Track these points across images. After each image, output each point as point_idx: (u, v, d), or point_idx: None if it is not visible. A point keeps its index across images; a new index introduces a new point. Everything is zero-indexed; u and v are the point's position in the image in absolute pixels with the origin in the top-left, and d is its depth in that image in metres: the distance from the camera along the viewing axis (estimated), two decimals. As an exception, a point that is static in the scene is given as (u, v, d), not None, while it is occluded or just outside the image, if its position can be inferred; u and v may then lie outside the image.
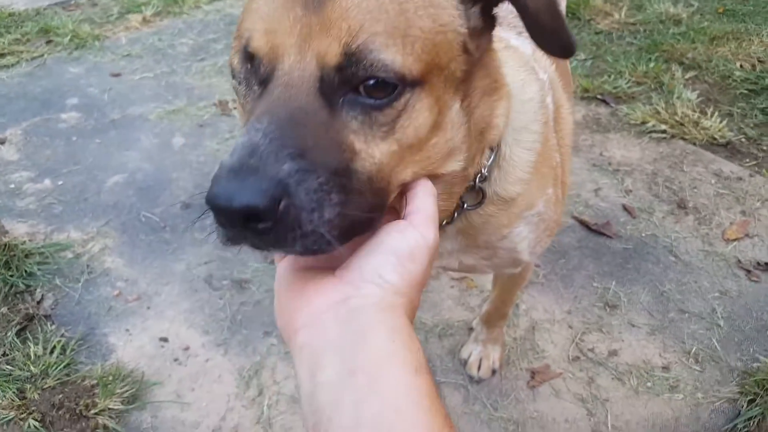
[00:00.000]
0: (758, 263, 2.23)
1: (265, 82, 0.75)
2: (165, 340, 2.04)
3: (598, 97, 3.15)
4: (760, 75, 3.25)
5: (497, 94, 0.94)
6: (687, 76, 3.28)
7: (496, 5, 0.86)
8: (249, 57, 0.76)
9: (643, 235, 2.36)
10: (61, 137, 3.01)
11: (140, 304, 2.16)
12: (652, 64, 3.33)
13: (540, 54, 1.26)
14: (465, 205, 1.01)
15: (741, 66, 3.36)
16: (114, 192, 2.66)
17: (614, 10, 3.92)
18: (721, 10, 3.95)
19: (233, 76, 0.81)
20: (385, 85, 0.73)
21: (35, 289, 2.21)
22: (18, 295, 2.19)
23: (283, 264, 0.79)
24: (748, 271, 2.21)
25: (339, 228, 0.70)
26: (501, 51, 1.00)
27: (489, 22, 0.87)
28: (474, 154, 0.93)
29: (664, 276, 2.20)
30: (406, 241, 0.74)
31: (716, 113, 2.97)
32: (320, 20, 0.72)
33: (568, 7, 3.86)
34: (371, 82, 0.73)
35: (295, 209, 0.66)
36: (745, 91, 3.18)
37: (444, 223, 1.02)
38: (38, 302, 2.16)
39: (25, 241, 2.37)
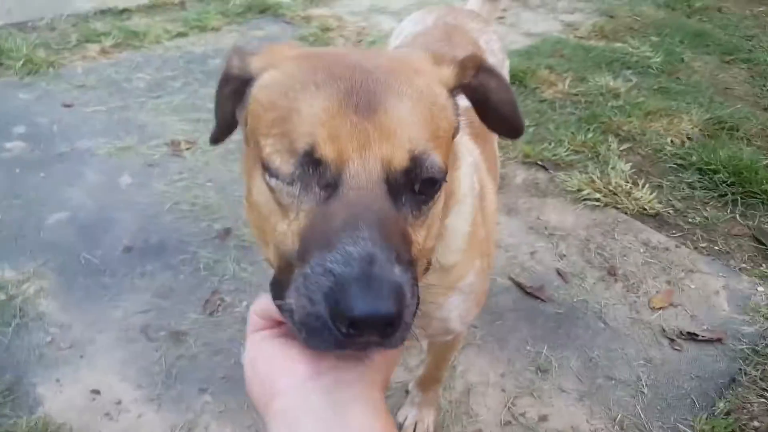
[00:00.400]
0: (681, 332, 2.38)
1: (331, 186, 0.79)
2: (97, 392, 1.99)
3: (538, 162, 3.32)
4: (688, 151, 3.50)
5: (457, 164, 1.07)
6: (622, 148, 3.50)
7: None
8: (313, 162, 0.80)
9: (575, 300, 2.48)
10: (3, 167, 2.94)
11: (73, 352, 2.11)
12: (590, 135, 3.54)
13: (465, 138, 1.36)
14: None
15: (672, 141, 3.62)
16: (54, 230, 2.61)
17: (559, 80, 4.16)
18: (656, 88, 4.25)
19: (274, 175, 0.82)
20: (434, 182, 0.85)
21: (-39, 332, 2.12)
22: (-59, 338, 2.10)
23: (260, 333, 0.83)
24: (672, 340, 2.34)
25: (415, 312, 0.78)
26: None
27: None
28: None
29: (593, 342, 2.31)
30: None
31: (647, 185, 3.18)
32: (376, 127, 0.80)
33: (515, 75, 4.08)
34: (428, 179, 0.84)
35: (406, 308, 0.72)
36: (675, 165, 3.41)
37: None
38: (-37, 346, 2.08)
39: (-47, 279, 2.28)
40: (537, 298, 2.47)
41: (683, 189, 3.23)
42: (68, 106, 3.50)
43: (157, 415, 1.93)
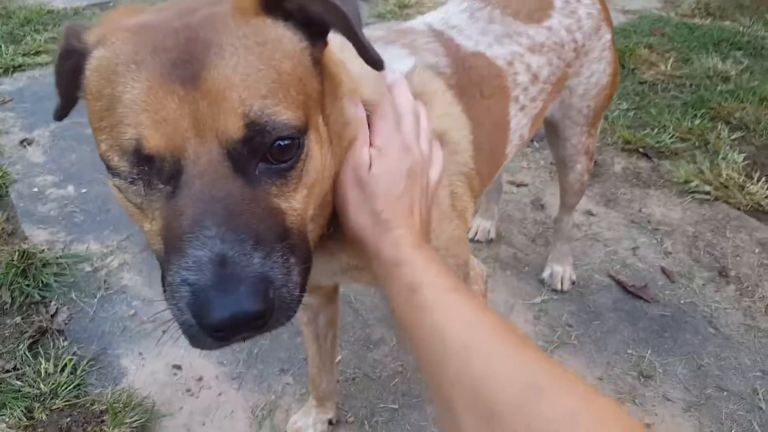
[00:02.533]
0: (804, 344, 2.12)
1: (173, 177, 0.71)
2: (178, 368, 1.96)
3: (640, 150, 3.07)
4: (810, 141, 3.15)
5: (339, 93, 0.91)
6: (733, 137, 3.19)
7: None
8: (145, 158, 0.70)
9: (682, 302, 2.26)
10: (89, 143, 2.97)
11: (156, 326, 2.09)
12: (697, 121, 3.24)
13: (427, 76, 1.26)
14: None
15: (790, 130, 3.27)
16: (139, 204, 2.61)
17: (660, 61, 3.85)
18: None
19: (115, 175, 0.73)
20: (290, 143, 0.75)
21: (50, 302, 2.15)
22: (33, 306, 2.13)
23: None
24: (793, 352, 2.09)
25: (302, 283, 0.76)
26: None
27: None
28: (340, 157, 0.92)
29: (703, 348, 2.09)
30: None
31: (763, 178, 2.87)
32: (205, 94, 0.69)
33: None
34: (277, 145, 0.73)
35: (277, 291, 0.70)
36: (793, 157, 3.08)
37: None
38: (52, 315, 2.10)
39: (43, 250, 2.32)
40: (640, 297, 2.26)
41: (804, 183, 2.90)
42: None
43: (238, 394, 1.88)
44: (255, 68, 0.72)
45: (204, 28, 0.73)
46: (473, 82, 1.35)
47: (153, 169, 0.71)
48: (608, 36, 1.79)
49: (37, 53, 3.67)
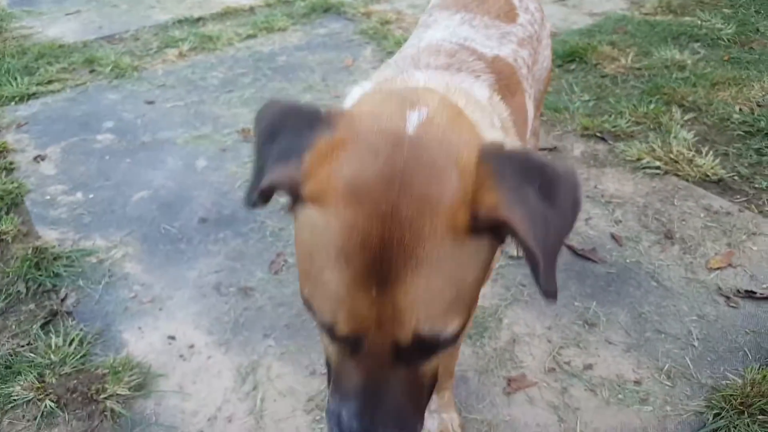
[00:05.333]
0: (738, 290, 2.32)
1: (353, 345, 0.85)
2: (173, 338, 2.22)
3: (597, 134, 3.31)
4: (758, 118, 3.37)
5: None
6: (686, 118, 3.42)
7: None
8: (334, 332, 0.85)
9: (628, 261, 2.48)
10: (96, 156, 3.29)
11: (153, 305, 2.36)
12: (652, 106, 3.48)
13: (496, 98, 1.34)
14: None
15: (740, 109, 3.49)
16: (138, 206, 2.90)
17: (621, 55, 4.10)
18: (726, 58, 4.09)
19: (313, 314, 0.87)
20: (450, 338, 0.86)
21: (60, 289, 2.42)
22: (45, 293, 2.41)
23: None
24: (728, 298, 2.30)
25: None
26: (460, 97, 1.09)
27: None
28: None
29: (644, 299, 2.30)
30: None
31: (711, 152, 3.09)
32: (391, 302, 0.79)
33: (574, 52, 4.07)
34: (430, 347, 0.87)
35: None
36: (742, 133, 3.29)
37: None
38: (62, 300, 2.37)
39: (54, 246, 2.60)
40: (588, 259, 2.49)
41: (750, 156, 3.12)
42: (150, 103, 3.84)
43: (225, 357, 2.13)
44: (440, 290, 0.80)
45: (412, 231, 0.76)
46: (503, 84, 1.45)
47: (338, 337, 0.85)
48: (548, 24, 2.06)
49: (50, 82, 4.02)
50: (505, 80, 1.48)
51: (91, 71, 4.20)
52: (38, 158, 3.24)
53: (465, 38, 1.56)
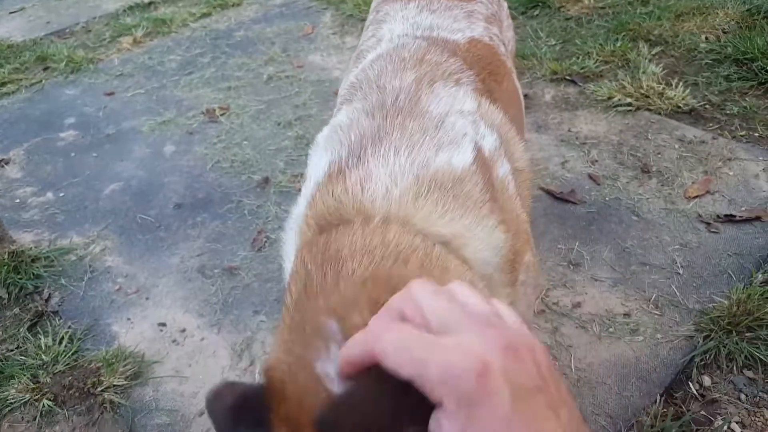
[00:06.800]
0: (718, 216, 2.36)
1: None
2: (163, 324, 2.20)
3: (567, 77, 3.30)
4: (724, 45, 3.37)
5: None
6: (653, 52, 3.41)
7: None
8: None
9: (607, 199, 2.50)
10: (61, 154, 3.21)
11: (139, 295, 2.33)
12: (618, 43, 3.47)
13: (485, 105, 1.19)
14: None
15: (706, 38, 3.49)
16: (111, 199, 2.84)
17: (583, -4, 4.07)
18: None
19: None
20: None
21: (43, 290, 2.38)
22: (27, 296, 2.37)
23: None
24: (708, 224, 2.33)
25: None
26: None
27: None
28: None
29: (627, 234, 2.33)
30: None
31: (681, 83, 3.10)
32: None
33: (535, -4, 4.03)
34: None
35: None
36: (710, 61, 3.30)
37: None
38: (46, 300, 2.33)
39: (31, 248, 2.55)
40: (568, 201, 2.50)
41: (720, 83, 3.13)
42: (110, 94, 3.74)
43: (218, 337, 2.12)
44: None
45: None
46: (487, 73, 1.30)
47: None
48: (505, 3, 1.86)
49: (3, 84, 3.88)
50: (488, 66, 1.32)
51: (45, 68, 4.07)
52: (2, 163, 3.15)
53: (430, 27, 1.39)
